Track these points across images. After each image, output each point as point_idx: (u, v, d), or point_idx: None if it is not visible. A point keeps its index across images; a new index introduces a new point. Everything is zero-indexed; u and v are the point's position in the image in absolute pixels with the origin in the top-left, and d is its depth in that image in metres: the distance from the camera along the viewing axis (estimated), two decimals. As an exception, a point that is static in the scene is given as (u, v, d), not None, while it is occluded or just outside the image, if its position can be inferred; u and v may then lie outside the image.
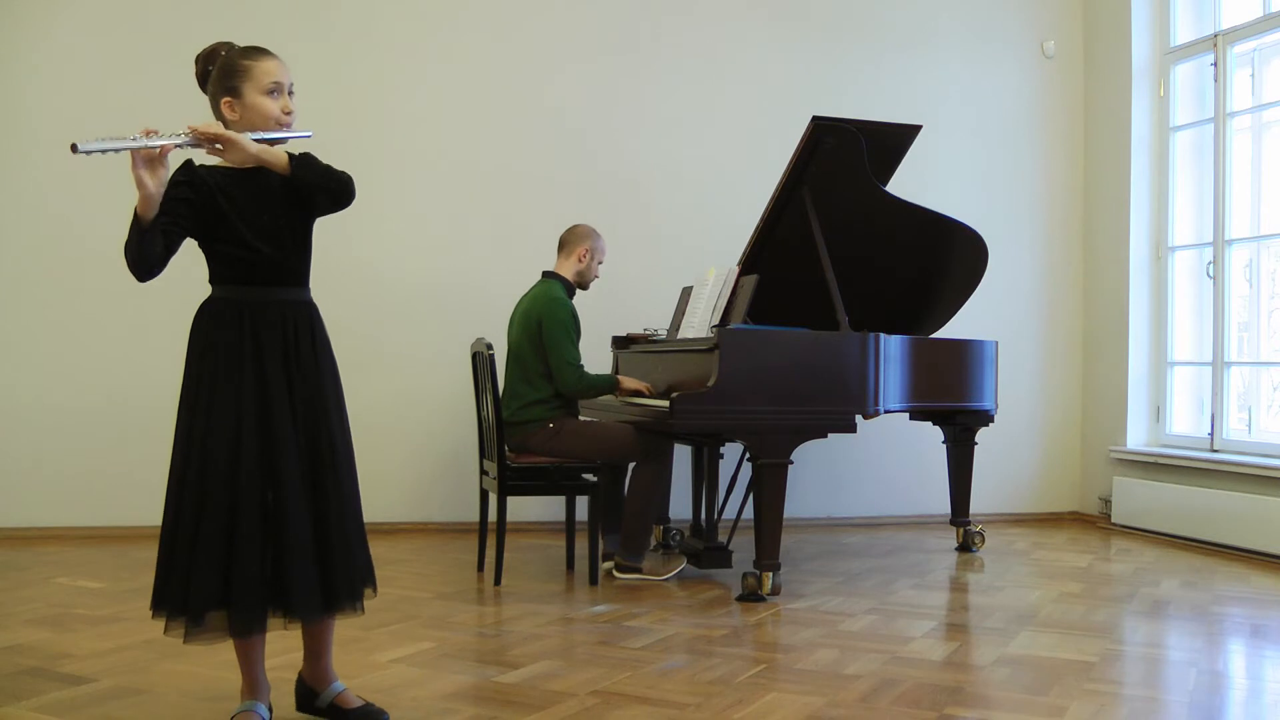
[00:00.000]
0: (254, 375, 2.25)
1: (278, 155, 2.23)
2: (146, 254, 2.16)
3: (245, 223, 2.25)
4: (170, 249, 2.21)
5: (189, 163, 2.28)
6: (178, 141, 2.13)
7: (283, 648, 2.71)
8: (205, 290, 2.33)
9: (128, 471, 4.93)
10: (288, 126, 2.31)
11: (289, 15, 5.16)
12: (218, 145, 2.19)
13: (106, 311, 4.98)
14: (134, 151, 2.08)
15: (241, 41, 2.38)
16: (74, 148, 2.00)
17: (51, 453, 4.91)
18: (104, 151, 2.03)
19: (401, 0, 5.35)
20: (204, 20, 4.91)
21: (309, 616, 2.27)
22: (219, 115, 2.30)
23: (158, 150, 2.10)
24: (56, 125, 4.91)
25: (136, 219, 2.15)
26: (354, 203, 2.32)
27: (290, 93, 2.33)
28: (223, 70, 2.30)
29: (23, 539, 4.78)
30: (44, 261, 4.96)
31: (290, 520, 2.22)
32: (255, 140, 2.22)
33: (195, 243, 2.30)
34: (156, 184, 2.12)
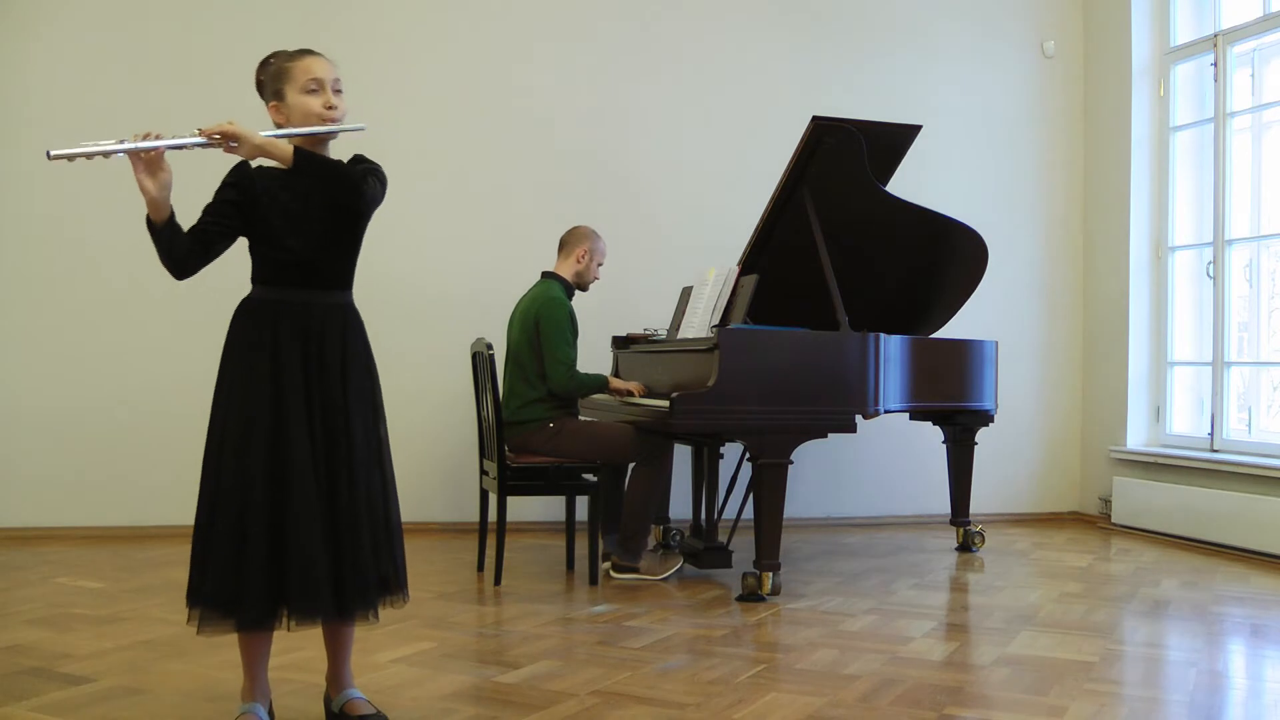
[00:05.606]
0: (270, 375, 2.24)
1: (281, 149, 2.20)
2: (170, 253, 2.21)
3: (285, 223, 2.27)
4: (210, 248, 2.26)
5: (242, 164, 2.30)
6: (172, 143, 2.11)
7: (282, 648, 2.71)
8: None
9: (128, 471, 4.93)
10: (332, 121, 2.33)
11: (287, 21, 5.13)
12: (231, 143, 2.17)
13: (105, 312, 4.98)
14: (133, 158, 2.10)
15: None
16: (47, 154, 2.03)
17: (51, 453, 4.91)
18: (73, 158, 2.03)
19: (401, 5, 5.35)
20: (190, 24, 4.93)
21: (307, 618, 2.23)
22: (272, 121, 2.33)
23: (146, 153, 2.10)
24: (54, 127, 4.92)
25: (148, 222, 2.19)
26: (384, 201, 2.31)
27: (336, 89, 2.35)
28: (270, 77, 2.35)
29: (23, 539, 4.77)
30: (43, 262, 4.96)
31: (294, 523, 2.20)
32: (291, 135, 2.24)
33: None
34: (157, 187, 2.14)
